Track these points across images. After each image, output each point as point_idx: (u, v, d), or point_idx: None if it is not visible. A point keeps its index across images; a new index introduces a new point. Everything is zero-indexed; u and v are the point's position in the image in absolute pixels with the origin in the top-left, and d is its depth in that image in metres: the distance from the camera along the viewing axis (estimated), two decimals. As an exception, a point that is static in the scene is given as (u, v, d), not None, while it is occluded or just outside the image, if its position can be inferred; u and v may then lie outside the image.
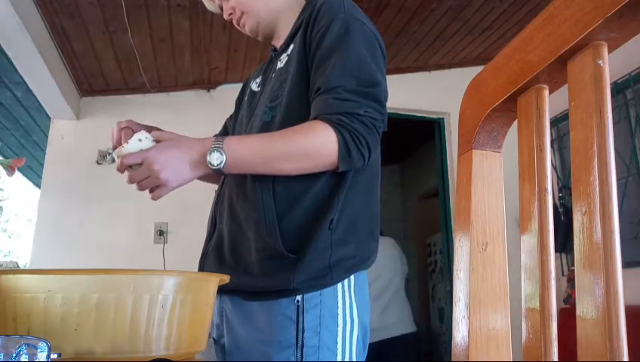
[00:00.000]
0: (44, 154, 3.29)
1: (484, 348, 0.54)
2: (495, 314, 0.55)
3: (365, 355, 1.02)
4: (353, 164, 0.94)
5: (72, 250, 3.07)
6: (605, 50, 0.44)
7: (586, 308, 0.40)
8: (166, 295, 0.65)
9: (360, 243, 1.01)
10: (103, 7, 2.51)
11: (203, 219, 1.18)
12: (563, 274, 3.27)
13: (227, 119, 1.36)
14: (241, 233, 1.02)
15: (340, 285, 0.97)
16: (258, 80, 1.21)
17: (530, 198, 0.50)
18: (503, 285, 0.56)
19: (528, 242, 0.49)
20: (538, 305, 0.46)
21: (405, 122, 3.60)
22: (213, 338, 1.10)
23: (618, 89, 2.96)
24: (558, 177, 3.40)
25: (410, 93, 3.53)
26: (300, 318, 0.94)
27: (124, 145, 0.91)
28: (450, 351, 0.58)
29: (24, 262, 4.66)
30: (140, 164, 0.89)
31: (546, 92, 0.51)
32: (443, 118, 3.73)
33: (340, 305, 0.97)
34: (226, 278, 0.78)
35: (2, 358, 0.49)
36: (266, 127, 1.03)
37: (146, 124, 1.08)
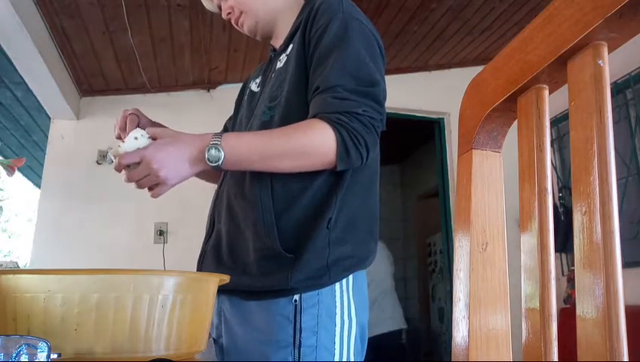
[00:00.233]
0: (44, 154, 3.29)
1: (484, 348, 0.54)
2: (495, 314, 0.55)
3: (364, 355, 1.02)
4: (351, 163, 0.94)
5: (72, 250, 3.07)
6: (605, 50, 0.44)
7: (586, 308, 0.40)
8: (166, 295, 0.65)
9: (358, 243, 1.00)
10: (103, 7, 2.51)
11: (203, 219, 1.18)
12: (563, 274, 3.27)
13: (227, 121, 1.36)
14: (240, 233, 1.02)
15: (338, 285, 0.97)
16: (258, 80, 1.21)
17: (530, 198, 0.50)
18: (503, 285, 0.56)
19: (528, 242, 0.49)
20: (538, 305, 0.46)
21: (405, 122, 3.61)
22: (213, 339, 1.10)
23: (618, 89, 2.96)
24: (558, 177, 3.40)
25: (410, 93, 3.53)
26: (298, 318, 0.93)
27: (121, 144, 0.91)
28: (450, 351, 0.58)
29: (24, 262, 4.66)
30: (138, 163, 0.89)
31: (546, 92, 0.51)
32: (443, 118, 3.74)
33: (337, 304, 0.97)
34: (226, 278, 0.78)
35: (2, 358, 0.49)
36: (265, 127, 1.03)
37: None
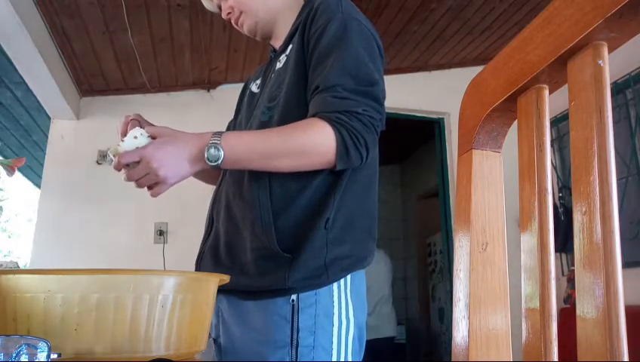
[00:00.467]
0: (44, 154, 3.29)
1: (484, 348, 0.54)
2: (495, 314, 0.55)
3: (362, 355, 1.02)
4: (351, 162, 0.94)
5: (72, 250, 3.07)
6: (605, 50, 0.44)
7: (586, 308, 0.40)
8: (166, 295, 0.65)
9: (357, 243, 1.00)
10: (103, 7, 2.51)
11: (203, 219, 1.17)
12: (563, 274, 3.27)
13: (229, 123, 1.36)
14: (238, 233, 1.02)
15: (335, 285, 0.97)
16: (258, 81, 1.21)
17: (530, 198, 0.50)
18: (503, 285, 0.56)
19: (528, 242, 0.49)
20: (538, 305, 0.46)
21: (405, 122, 3.61)
22: (213, 338, 1.10)
23: (618, 89, 2.96)
24: (558, 177, 3.40)
25: (410, 93, 3.53)
26: (295, 318, 0.93)
27: (120, 143, 0.91)
28: (450, 351, 0.58)
29: (24, 262, 4.66)
30: (138, 162, 0.89)
31: (546, 92, 0.51)
32: (443, 118, 3.73)
33: (335, 304, 0.96)
34: (226, 278, 0.78)
35: (2, 358, 0.49)
36: (264, 127, 1.03)
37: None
